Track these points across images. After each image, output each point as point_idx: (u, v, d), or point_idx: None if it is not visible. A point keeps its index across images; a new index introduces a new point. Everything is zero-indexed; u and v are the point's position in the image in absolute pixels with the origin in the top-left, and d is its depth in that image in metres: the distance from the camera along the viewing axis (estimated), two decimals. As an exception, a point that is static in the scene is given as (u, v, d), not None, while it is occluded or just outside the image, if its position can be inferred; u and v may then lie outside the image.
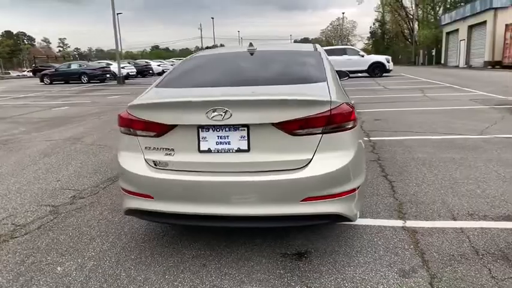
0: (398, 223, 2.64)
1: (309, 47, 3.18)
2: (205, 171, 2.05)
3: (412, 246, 2.32)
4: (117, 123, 2.32)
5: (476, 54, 24.99)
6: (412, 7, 61.63)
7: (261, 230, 2.55)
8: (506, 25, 21.14)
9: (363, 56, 19.06)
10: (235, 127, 2.01)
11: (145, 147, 2.15)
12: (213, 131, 2.03)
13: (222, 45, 61.69)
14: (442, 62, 32.62)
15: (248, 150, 2.01)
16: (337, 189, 1.99)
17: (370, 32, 74.27)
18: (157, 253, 2.38)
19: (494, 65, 22.63)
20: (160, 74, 29.90)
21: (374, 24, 73.69)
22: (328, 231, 2.53)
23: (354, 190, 2.05)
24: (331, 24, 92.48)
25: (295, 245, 2.38)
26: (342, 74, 3.68)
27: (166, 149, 2.11)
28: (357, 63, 18.96)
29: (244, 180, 1.98)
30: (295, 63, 2.81)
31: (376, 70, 19.02)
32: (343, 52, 19.46)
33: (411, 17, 62.86)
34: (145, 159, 2.15)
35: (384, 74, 19.32)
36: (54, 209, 3.15)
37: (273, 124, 1.97)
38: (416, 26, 61.22)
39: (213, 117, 1.96)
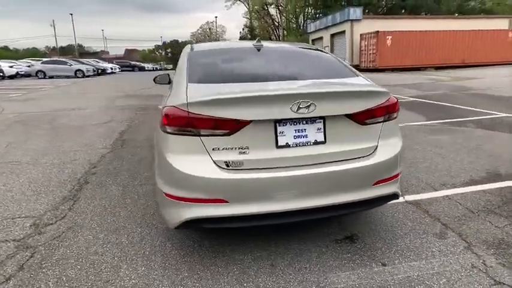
0: (400, 199, 3.08)
1: (308, 45, 3.35)
2: (284, 166, 2.02)
3: (426, 215, 2.76)
4: (163, 123, 2.06)
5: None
6: (277, 15, 68.04)
7: (293, 225, 2.62)
8: (361, 35, 25.53)
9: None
10: (312, 120, 2.05)
11: (213, 148, 1.98)
12: (290, 124, 2.03)
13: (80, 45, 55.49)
14: (311, 65, 37.12)
15: (324, 141, 2.08)
16: (395, 171, 2.25)
17: (241, 37, 78.45)
18: (222, 266, 2.21)
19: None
20: (13, 76, 24.97)
21: (243, 29, 78.11)
22: (355, 218, 2.76)
23: (400, 171, 2.34)
24: (201, 27, 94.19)
25: (339, 233, 2.55)
26: None
27: (239, 147, 1.99)
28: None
29: (323, 171, 2.04)
30: (317, 59, 2.94)
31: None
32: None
33: (277, 24, 69.31)
34: (214, 161, 1.98)
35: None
36: (20, 244, 2.50)
37: (346, 115, 2.09)
38: (282, 32, 67.83)
39: (297, 110, 1.96)
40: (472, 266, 2.12)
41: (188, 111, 1.97)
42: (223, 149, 1.99)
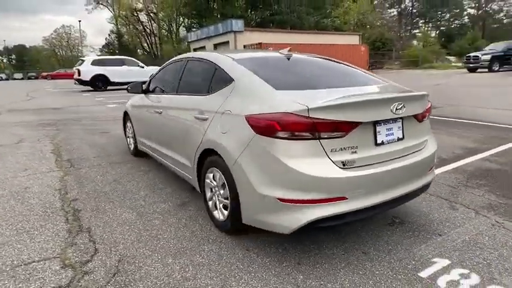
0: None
1: (318, 55, 3.63)
2: (381, 161, 2.29)
3: (429, 195, 3.41)
4: (273, 129, 2.07)
5: (224, 68, 30.53)
6: (149, 22, 65.63)
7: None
8: (245, 46, 27.13)
9: (143, 67, 19.10)
10: (396, 120, 2.37)
11: (332, 150, 2.10)
12: (384, 124, 2.31)
13: None
14: (194, 74, 37.29)
15: (403, 138, 2.43)
16: (435, 160, 2.77)
17: (107, 43, 72.75)
18: (294, 268, 2.31)
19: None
20: None
21: (110, 35, 72.70)
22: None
23: (433, 160, 2.89)
24: (55, 31, 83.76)
25: (385, 219, 2.93)
26: None
27: (351, 147, 2.17)
28: (138, 74, 18.79)
29: (407, 163, 2.39)
30: (344, 67, 3.23)
31: (158, 81, 19.59)
32: (121, 63, 18.78)
33: (149, 31, 66.91)
34: (333, 162, 2.10)
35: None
36: None
37: (414, 115, 2.49)
38: (154, 40, 65.81)
39: (395, 111, 2.26)
40: (492, 224, 2.80)
41: (309, 117, 2.04)
42: (339, 149, 2.13)
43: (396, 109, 2.29)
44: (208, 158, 2.74)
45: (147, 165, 4.52)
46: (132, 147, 4.95)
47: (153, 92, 4.20)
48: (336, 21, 49.91)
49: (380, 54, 38.46)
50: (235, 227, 2.55)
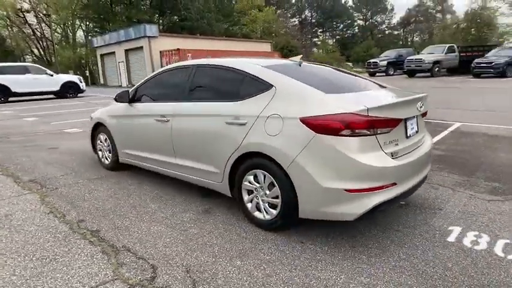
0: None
1: (323, 64, 3.95)
2: (410, 151, 2.72)
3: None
4: (337, 128, 2.32)
5: (139, 75, 28.90)
6: (39, 25, 58.37)
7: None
8: (161, 51, 26.27)
9: (52, 75, 17.11)
10: (415, 116, 2.83)
11: (384, 143, 2.44)
12: (410, 120, 2.74)
13: None
14: (102, 82, 34.50)
15: (417, 131, 2.91)
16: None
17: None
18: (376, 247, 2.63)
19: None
20: None
21: (-15, 38, 62.62)
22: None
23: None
24: None
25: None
26: None
27: (394, 140, 2.55)
28: (46, 83, 16.83)
29: (423, 152, 2.87)
30: (345, 73, 3.60)
31: (70, 91, 17.78)
32: (25, 70, 16.53)
33: (40, 35, 59.49)
34: (386, 153, 2.44)
35: (79, 95, 18.45)
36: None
37: (422, 114, 3.00)
38: (47, 45, 58.70)
39: (419, 108, 2.70)
40: (469, 197, 3.49)
41: (369, 115, 2.34)
42: (388, 143, 2.49)
43: (419, 107, 2.76)
44: (248, 161, 2.83)
45: (134, 178, 4.28)
46: (107, 161, 4.60)
47: (139, 100, 4.02)
48: (244, 29, 51.71)
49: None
50: (287, 222, 2.72)
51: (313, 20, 68.38)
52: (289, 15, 66.78)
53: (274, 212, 2.75)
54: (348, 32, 67.14)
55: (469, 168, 4.37)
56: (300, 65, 3.33)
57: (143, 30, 26.36)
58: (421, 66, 19.71)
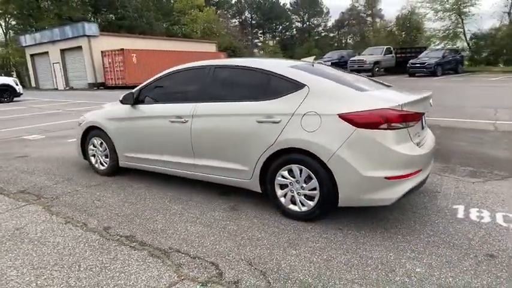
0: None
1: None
2: (425, 142, 3.08)
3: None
4: (377, 122, 2.58)
5: (78, 77, 26.93)
6: None
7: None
8: (102, 52, 24.75)
9: (-20, 78, 15.31)
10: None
11: (412, 135, 2.76)
12: (424, 114, 3.10)
13: None
14: (34, 85, 31.48)
15: (424, 126, 3.28)
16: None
17: None
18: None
19: (99, 86, 25.86)
20: None
21: None
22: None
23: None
24: None
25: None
26: None
27: (417, 132, 2.88)
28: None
29: (433, 142, 3.26)
30: (350, 73, 3.88)
31: (5, 94, 16.06)
32: None
33: None
34: (414, 143, 2.76)
35: (15, 99, 16.72)
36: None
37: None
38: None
39: (431, 104, 3.08)
40: (456, 180, 4.01)
41: (402, 110, 2.64)
42: (414, 134, 2.81)
43: (430, 103, 3.14)
44: (282, 156, 2.98)
45: (138, 182, 4.15)
46: (103, 166, 4.39)
47: (144, 102, 3.93)
48: (185, 29, 50.83)
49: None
50: (324, 212, 2.92)
51: (253, 21, 69.53)
52: (229, 15, 67.12)
53: (312, 203, 2.93)
54: (287, 33, 69.45)
55: (444, 156, 4.97)
56: (312, 66, 3.55)
57: (82, 28, 24.67)
58: (363, 66, 21.30)
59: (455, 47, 22.09)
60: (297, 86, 3.00)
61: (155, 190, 3.90)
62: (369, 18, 61.72)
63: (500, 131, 6.43)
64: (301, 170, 2.93)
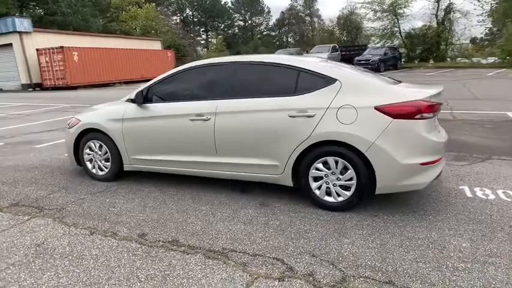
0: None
1: None
2: (441, 131, 3.36)
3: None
4: (413, 112, 2.77)
5: (7, 78, 24.15)
6: None
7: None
8: (38, 49, 22.49)
9: None
10: None
11: (436, 123, 2.99)
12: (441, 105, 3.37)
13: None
14: (-50, 86, 27.59)
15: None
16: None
17: None
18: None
19: (35, 87, 23.48)
20: None
21: None
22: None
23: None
24: None
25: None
26: None
27: (437, 122, 3.13)
28: None
29: (444, 132, 3.56)
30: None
31: None
32: None
33: None
34: (438, 132, 3.00)
35: None
36: None
37: None
38: None
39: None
40: (463, 164, 4.42)
41: (431, 101, 2.86)
42: (436, 123, 3.05)
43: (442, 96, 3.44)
44: (316, 149, 3.05)
45: (147, 185, 3.94)
46: (102, 171, 4.09)
47: (152, 101, 3.74)
48: (123, 26, 48.34)
49: (179, 59, 40.37)
50: (360, 201, 3.06)
51: (195, 19, 68.40)
52: (170, 13, 65.20)
53: (348, 193, 3.05)
54: (229, 31, 69.45)
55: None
56: (326, 61, 3.67)
57: (12, 24, 22.19)
58: (312, 63, 22.18)
59: (393, 44, 24.01)
60: (327, 80, 3.09)
61: (171, 192, 3.74)
62: (308, 18, 64.15)
63: (459, 119, 7.18)
64: (336, 162, 3.03)
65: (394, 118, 2.83)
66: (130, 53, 27.12)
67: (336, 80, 3.07)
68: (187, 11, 67.55)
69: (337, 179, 3.06)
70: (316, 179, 3.15)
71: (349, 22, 31.61)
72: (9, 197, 3.75)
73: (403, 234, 2.72)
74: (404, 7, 24.00)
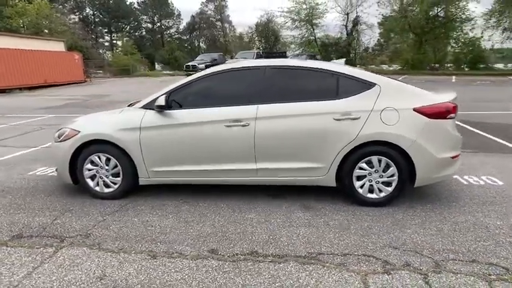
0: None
1: None
2: None
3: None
4: (446, 113, 3.18)
5: None
6: None
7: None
8: None
9: None
10: None
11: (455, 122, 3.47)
12: None
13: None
14: None
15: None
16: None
17: None
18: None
19: None
20: None
21: None
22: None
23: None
24: None
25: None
26: None
27: None
28: None
29: None
30: None
31: None
32: None
33: None
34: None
35: None
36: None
37: None
38: None
39: None
40: (425, 157, 5.07)
41: (455, 103, 3.30)
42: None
43: None
44: (360, 150, 3.25)
45: (169, 198, 3.63)
46: (110, 188, 3.62)
47: (172, 107, 3.47)
48: (9, 22, 42.01)
49: (86, 62, 36.75)
50: (399, 194, 3.34)
51: (97, 19, 63.07)
52: (66, 11, 58.86)
53: (390, 189, 3.32)
54: (136, 34, 65.87)
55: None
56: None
57: None
58: (241, 69, 22.55)
59: (312, 52, 25.92)
60: (367, 85, 3.31)
61: (201, 203, 3.51)
62: (219, 23, 64.85)
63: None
64: (379, 160, 3.27)
65: (429, 118, 3.19)
66: (29, 55, 23.69)
67: (375, 84, 3.32)
68: (87, 9, 61.95)
69: (379, 176, 3.31)
70: (358, 178, 3.35)
71: (267, 29, 33.15)
72: (6, 228, 3.05)
73: (447, 220, 3.08)
74: (319, 18, 26.28)
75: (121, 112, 3.65)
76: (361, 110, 3.24)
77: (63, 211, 3.40)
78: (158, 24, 65.51)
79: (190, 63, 25.21)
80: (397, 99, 3.27)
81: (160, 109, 3.38)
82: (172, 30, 66.34)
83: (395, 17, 25.36)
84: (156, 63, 40.33)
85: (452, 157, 3.29)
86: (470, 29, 23.30)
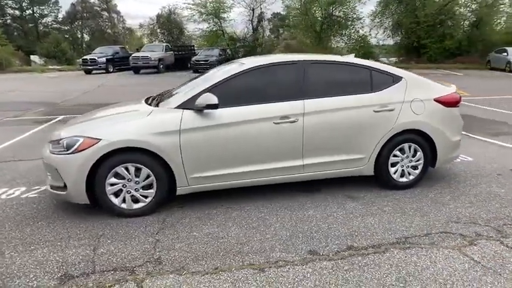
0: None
1: None
2: None
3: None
4: (454, 103, 3.68)
5: None
6: None
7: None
8: None
9: None
10: None
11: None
12: None
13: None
14: None
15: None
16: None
17: None
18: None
19: None
20: None
21: None
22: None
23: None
24: None
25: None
26: None
27: None
28: None
29: None
30: None
31: None
32: None
33: None
34: None
35: None
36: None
37: None
38: None
39: None
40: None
41: (459, 94, 3.84)
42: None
43: None
44: (396, 139, 3.53)
45: (204, 207, 3.30)
46: (139, 204, 3.11)
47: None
48: None
49: None
50: (424, 175, 3.75)
51: None
52: None
53: (417, 171, 3.70)
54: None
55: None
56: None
57: None
58: (148, 63, 20.91)
59: (222, 47, 25.73)
60: (396, 78, 3.60)
61: (247, 208, 3.31)
62: (105, 13, 59.21)
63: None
64: (409, 147, 3.60)
65: (446, 106, 3.65)
66: None
67: (402, 77, 3.62)
68: None
69: (409, 161, 3.65)
70: (392, 164, 3.63)
71: (168, 21, 31.49)
72: (37, 270, 2.35)
73: (467, 193, 3.61)
74: (225, 12, 26.17)
75: (150, 114, 3.14)
76: (394, 101, 3.51)
77: (93, 238, 2.79)
78: (29, 11, 56.18)
79: (88, 57, 22.41)
80: (420, 91, 3.64)
81: (212, 108, 3.04)
82: (49, 19, 57.79)
83: (296, 14, 27.28)
84: (35, 57, 34.46)
85: (459, 140, 3.85)
86: (360, 27, 26.70)
